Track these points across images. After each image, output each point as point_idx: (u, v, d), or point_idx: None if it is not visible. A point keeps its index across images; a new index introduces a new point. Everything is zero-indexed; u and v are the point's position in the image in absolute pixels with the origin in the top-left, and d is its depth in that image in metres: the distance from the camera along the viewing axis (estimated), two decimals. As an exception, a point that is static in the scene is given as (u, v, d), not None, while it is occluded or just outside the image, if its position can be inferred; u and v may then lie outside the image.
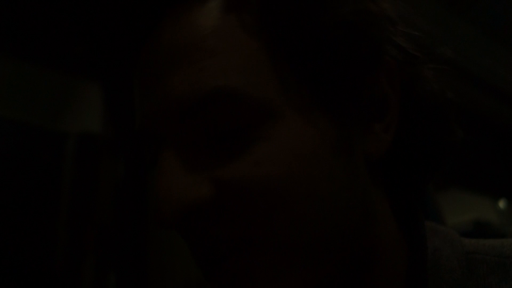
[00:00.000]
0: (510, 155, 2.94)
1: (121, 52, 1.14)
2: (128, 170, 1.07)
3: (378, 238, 0.39)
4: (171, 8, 0.38)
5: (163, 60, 0.36)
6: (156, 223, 0.34)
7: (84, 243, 1.22)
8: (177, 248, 1.01)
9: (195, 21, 0.36)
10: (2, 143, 1.29)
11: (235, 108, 0.34)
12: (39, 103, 1.37)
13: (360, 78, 0.38)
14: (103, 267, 1.18)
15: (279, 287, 0.34)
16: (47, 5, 1.24)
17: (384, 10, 0.39)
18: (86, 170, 1.17)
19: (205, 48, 0.35)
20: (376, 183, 0.40)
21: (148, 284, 0.99)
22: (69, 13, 1.27)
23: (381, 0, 0.40)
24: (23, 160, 1.26)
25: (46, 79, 1.31)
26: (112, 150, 1.15)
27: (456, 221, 2.76)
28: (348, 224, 0.36)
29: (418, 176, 0.44)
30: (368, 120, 0.39)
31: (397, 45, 0.40)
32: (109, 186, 1.07)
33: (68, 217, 1.28)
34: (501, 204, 3.13)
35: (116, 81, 1.18)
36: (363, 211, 0.38)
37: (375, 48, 0.38)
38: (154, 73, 0.36)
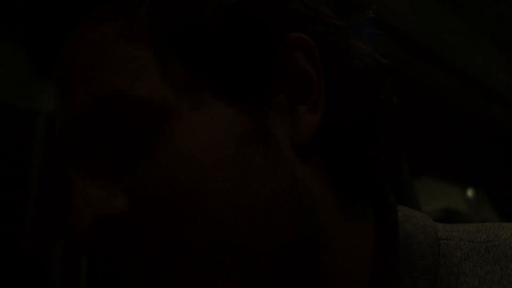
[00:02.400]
0: (480, 145, 2.99)
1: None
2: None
3: (319, 228, 0.37)
4: (75, 25, 0.37)
5: (65, 79, 0.37)
6: (71, 240, 0.33)
7: (54, 224, 1.20)
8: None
9: (87, 37, 0.36)
10: (-32, 121, 1.24)
11: (128, 112, 0.33)
12: (8, 79, 1.32)
13: (263, 62, 0.36)
14: (74, 250, 1.15)
15: None
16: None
17: None
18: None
19: (94, 61, 0.35)
20: (312, 169, 0.38)
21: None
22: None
23: None
24: (-10, 138, 1.22)
25: (17, 53, 1.25)
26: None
27: (426, 209, 2.81)
28: (277, 218, 0.35)
29: (365, 156, 0.40)
30: (289, 103, 0.37)
31: (309, 18, 0.38)
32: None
33: (38, 198, 1.25)
34: (469, 193, 3.19)
35: None
36: (295, 202, 0.36)
37: (272, 28, 0.36)
38: (61, 91, 0.37)
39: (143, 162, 0.33)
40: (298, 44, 0.37)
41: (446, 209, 2.82)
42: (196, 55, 0.35)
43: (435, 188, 2.95)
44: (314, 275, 0.37)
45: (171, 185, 0.33)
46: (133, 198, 0.34)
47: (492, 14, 2.46)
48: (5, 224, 1.21)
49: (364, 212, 0.41)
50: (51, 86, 0.40)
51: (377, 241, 0.39)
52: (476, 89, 2.76)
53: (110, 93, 0.34)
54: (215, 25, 0.35)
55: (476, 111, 2.97)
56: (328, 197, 0.38)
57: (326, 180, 0.39)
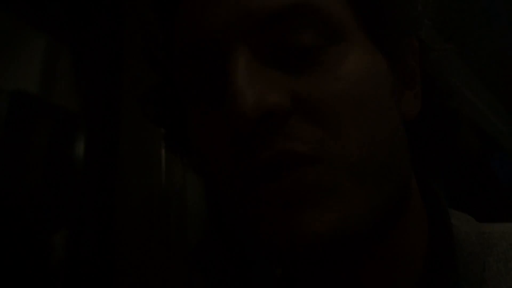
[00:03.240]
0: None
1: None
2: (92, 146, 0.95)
3: (409, 193, 0.41)
4: None
5: None
6: (234, 119, 0.33)
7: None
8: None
9: None
10: None
11: (315, 24, 0.36)
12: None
13: (405, 36, 0.42)
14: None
15: (343, 204, 0.34)
16: None
17: None
18: (17, 133, 1.04)
19: None
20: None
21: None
22: None
23: None
24: None
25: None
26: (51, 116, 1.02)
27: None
28: (401, 157, 0.39)
29: (433, 153, 0.47)
30: (403, 83, 0.42)
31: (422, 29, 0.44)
32: (39, 155, 0.96)
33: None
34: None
35: (91, 41, 1.01)
36: (406, 155, 0.40)
37: (420, 18, 0.42)
38: None
39: (317, 71, 0.35)
40: (410, 41, 0.43)
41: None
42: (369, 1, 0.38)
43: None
44: (392, 238, 0.39)
45: (345, 94, 0.35)
46: (297, 101, 0.35)
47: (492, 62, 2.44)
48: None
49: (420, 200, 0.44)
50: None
51: (430, 227, 0.42)
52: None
53: (304, 1, 0.35)
54: None
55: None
56: (412, 175, 0.43)
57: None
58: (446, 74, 0.46)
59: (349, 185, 0.34)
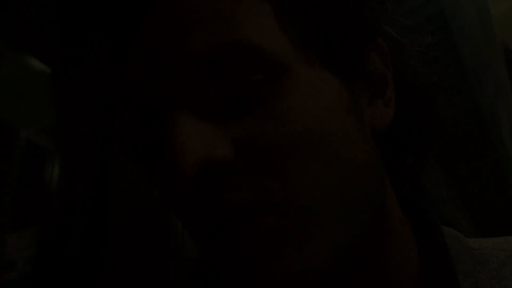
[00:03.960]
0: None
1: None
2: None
3: (388, 211, 0.39)
4: None
5: (173, 27, 0.36)
6: (173, 177, 0.32)
7: None
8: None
9: None
10: None
11: (250, 63, 0.34)
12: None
13: (361, 49, 0.39)
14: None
15: (302, 251, 0.33)
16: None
17: None
18: None
19: (216, 8, 0.35)
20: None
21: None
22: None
23: None
24: None
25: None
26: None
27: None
28: (372, 181, 0.37)
29: (412, 158, 0.45)
30: (370, 93, 0.40)
31: (387, 30, 0.42)
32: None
33: None
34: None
35: (69, 64, 1.04)
36: (378, 178, 0.38)
37: (375, 22, 0.39)
38: (162, 41, 0.36)
39: (257, 112, 0.34)
40: (380, 47, 0.40)
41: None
42: (314, 22, 0.37)
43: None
44: (375, 259, 0.38)
45: (287, 135, 0.33)
46: (239, 147, 0.34)
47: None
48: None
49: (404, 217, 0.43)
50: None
51: (420, 245, 0.41)
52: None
53: (236, 41, 0.34)
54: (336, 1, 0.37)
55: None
56: (391, 190, 0.41)
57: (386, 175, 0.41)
58: (421, 72, 0.44)
59: (304, 230, 0.33)
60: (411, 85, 0.43)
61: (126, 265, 0.80)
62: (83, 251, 0.82)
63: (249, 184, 0.33)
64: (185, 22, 0.35)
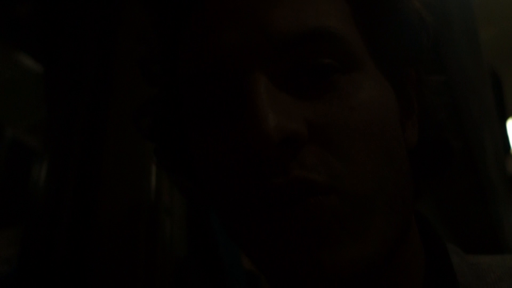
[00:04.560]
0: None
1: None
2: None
3: (410, 222, 0.41)
4: None
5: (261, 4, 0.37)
6: (255, 140, 0.33)
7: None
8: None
9: None
10: None
11: (333, 51, 0.36)
12: None
13: (407, 66, 0.43)
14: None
15: (360, 240, 0.34)
16: None
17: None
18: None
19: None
20: None
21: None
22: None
23: None
24: None
25: None
26: None
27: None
28: (408, 187, 0.39)
29: (426, 180, 0.47)
30: (405, 112, 0.43)
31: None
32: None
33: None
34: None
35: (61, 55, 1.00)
36: (411, 185, 0.40)
37: (421, 47, 0.42)
38: (245, 5, 0.37)
39: (332, 99, 0.36)
40: (411, 74, 0.44)
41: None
42: (381, 32, 0.40)
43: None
44: (394, 265, 0.40)
45: (360, 124, 0.35)
46: (311, 127, 0.35)
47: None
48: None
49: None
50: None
51: (427, 257, 0.43)
52: None
53: (322, 28, 0.36)
54: (403, 14, 0.40)
55: None
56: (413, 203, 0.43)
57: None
58: (438, 107, 0.46)
59: (364, 218, 0.35)
60: (429, 115, 0.46)
61: (113, 267, 0.79)
62: (68, 253, 0.80)
63: (318, 165, 0.34)
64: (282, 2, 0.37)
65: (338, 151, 0.35)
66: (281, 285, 0.37)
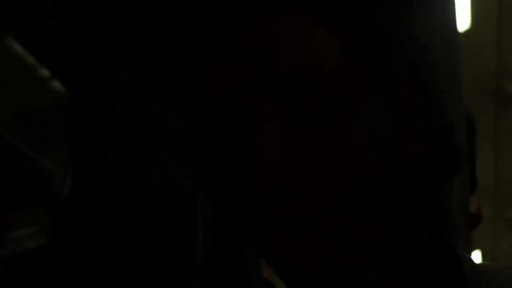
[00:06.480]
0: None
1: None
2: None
3: (418, 231, 0.44)
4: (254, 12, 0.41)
5: (262, 43, 0.40)
6: (260, 173, 0.37)
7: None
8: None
9: (279, 25, 0.41)
10: None
11: (327, 86, 0.39)
12: None
13: (401, 86, 0.44)
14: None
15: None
16: None
17: None
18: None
19: (300, 38, 0.40)
20: None
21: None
22: None
23: None
24: None
25: None
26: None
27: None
28: (407, 196, 0.42)
29: (432, 184, 0.49)
30: (406, 124, 0.44)
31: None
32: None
33: None
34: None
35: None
36: (411, 194, 0.43)
37: (415, 60, 0.44)
38: (250, 52, 0.40)
39: (326, 129, 0.38)
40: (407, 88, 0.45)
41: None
42: (374, 66, 0.42)
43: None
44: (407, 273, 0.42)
45: (353, 153, 0.38)
46: (314, 158, 0.38)
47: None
48: None
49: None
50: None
51: (440, 265, 0.45)
52: None
53: (315, 65, 0.39)
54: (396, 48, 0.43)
55: None
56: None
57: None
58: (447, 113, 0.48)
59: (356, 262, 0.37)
60: (434, 124, 0.46)
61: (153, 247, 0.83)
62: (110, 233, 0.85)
63: (321, 193, 0.37)
64: (273, 44, 0.40)
65: (339, 178, 0.38)
66: None
